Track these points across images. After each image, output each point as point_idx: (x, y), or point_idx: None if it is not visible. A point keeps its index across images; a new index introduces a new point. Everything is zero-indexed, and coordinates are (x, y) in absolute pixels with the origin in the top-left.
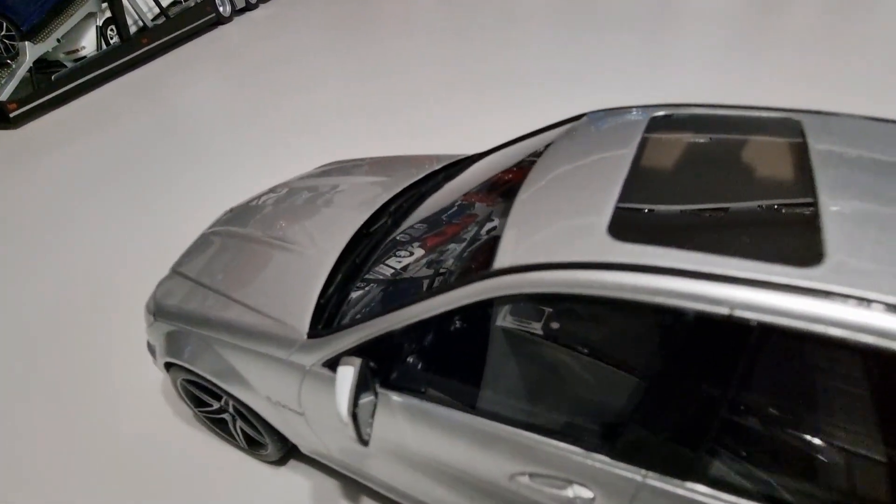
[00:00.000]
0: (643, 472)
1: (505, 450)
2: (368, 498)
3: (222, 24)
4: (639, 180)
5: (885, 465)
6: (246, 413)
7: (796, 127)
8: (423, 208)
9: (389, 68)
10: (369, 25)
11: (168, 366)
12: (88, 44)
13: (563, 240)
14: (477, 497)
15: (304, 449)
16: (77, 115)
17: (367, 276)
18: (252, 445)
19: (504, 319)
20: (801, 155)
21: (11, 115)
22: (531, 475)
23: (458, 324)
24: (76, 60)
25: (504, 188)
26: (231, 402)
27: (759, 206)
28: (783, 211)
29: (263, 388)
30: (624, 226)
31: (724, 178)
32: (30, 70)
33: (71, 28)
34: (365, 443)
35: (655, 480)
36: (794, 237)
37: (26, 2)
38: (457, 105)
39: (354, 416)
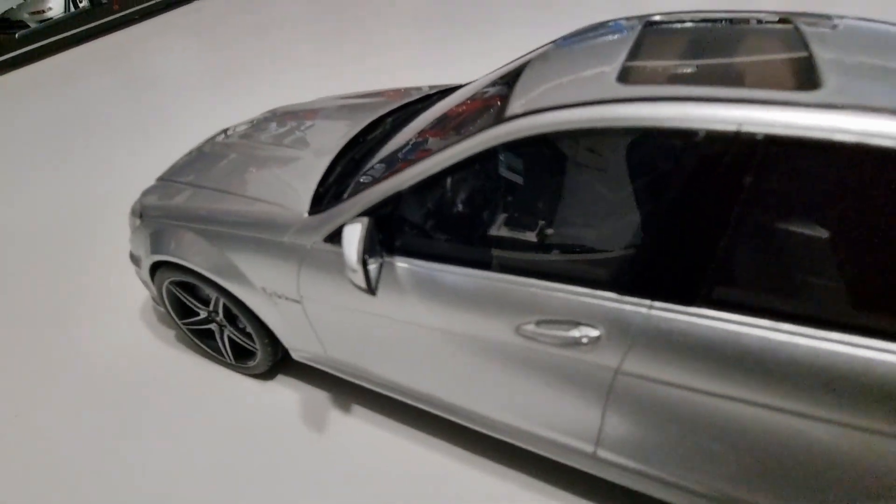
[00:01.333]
0: (648, 302)
1: (511, 300)
2: (361, 407)
3: None
4: (643, 52)
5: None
6: (237, 312)
7: (789, 21)
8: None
9: (359, 40)
10: (345, 3)
11: (153, 271)
12: (56, 5)
13: (575, 87)
14: (479, 367)
15: (295, 354)
16: (40, 75)
17: (367, 171)
18: (239, 358)
19: (506, 170)
20: (796, 34)
21: None
22: (537, 322)
23: (462, 180)
24: (41, 21)
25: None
26: (220, 307)
27: (758, 59)
28: (781, 59)
29: (259, 278)
30: (632, 74)
31: (724, 49)
32: None
33: None
34: (373, 291)
35: (657, 308)
36: (792, 74)
37: None
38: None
39: (364, 262)
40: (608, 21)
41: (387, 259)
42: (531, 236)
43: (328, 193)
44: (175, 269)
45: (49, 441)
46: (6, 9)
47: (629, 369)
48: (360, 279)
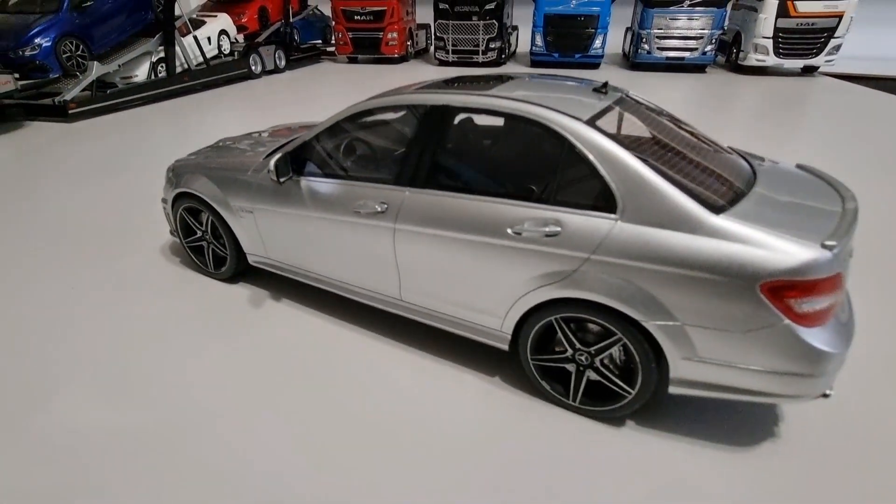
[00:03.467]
0: (407, 188)
1: (350, 194)
2: (286, 298)
3: (252, 78)
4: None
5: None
6: (220, 228)
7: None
8: None
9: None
10: (368, 87)
11: (174, 204)
12: (141, 74)
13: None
14: (335, 239)
15: (250, 259)
16: (118, 122)
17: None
18: (216, 267)
19: (356, 137)
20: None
21: (70, 111)
22: (359, 202)
23: (335, 136)
24: (127, 85)
25: None
26: (209, 227)
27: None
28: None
29: (234, 198)
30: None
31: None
32: (91, 84)
33: (131, 59)
34: (279, 182)
35: (410, 191)
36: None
37: (102, 33)
38: None
39: (277, 170)
40: None
41: (294, 177)
42: (359, 161)
43: (271, 156)
44: (188, 198)
45: (88, 303)
46: (104, 73)
47: (399, 226)
48: (273, 175)
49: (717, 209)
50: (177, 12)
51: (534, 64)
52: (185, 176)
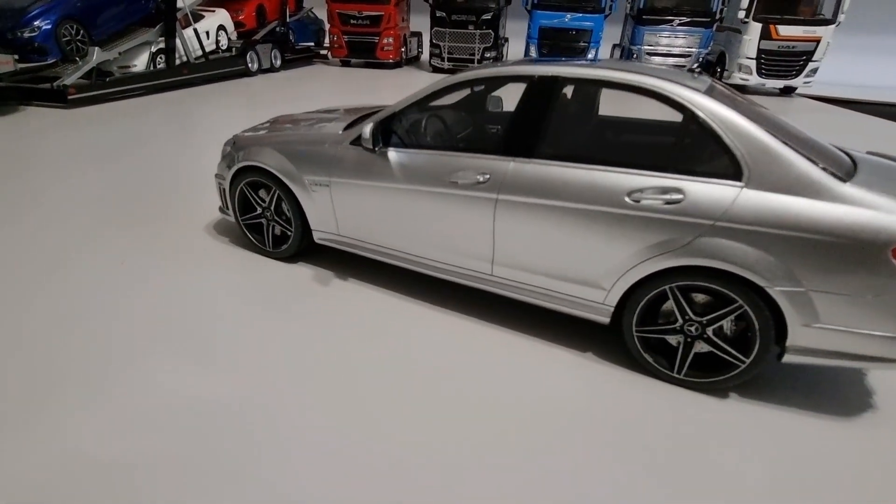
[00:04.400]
0: (512, 159)
1: (446, 165)
2: (352, 277)
3: (248, 76)
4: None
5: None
6: (286, 202)
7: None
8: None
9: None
10: (363, 89)
11: (233, 180)
12: (140, 63)
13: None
14: (428, 212)
15: (316, 236)
16: (119, 110)
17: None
18: (275, 245)
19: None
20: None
21: (69, 97)
22: (458, 173)
23: (431, 112)
24: (124, 74)
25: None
26: (273, 202)
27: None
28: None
29: (306, 173)
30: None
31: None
32: (91, 71)
33: (130, 49)
34: (374, 151)
35: (516, 161)
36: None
37: (104, 19)
38: None
39: (374, 139)
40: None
41: (381, 148)
42: (453, 132)
43: (354, 127)
44: (251, 173)
45: (142, 274)
46: (106, 59)
47: (503, 197)
48: (369, 143)
49: (841, 179)
50: (178, 4)
51: None
52: (248, 149)
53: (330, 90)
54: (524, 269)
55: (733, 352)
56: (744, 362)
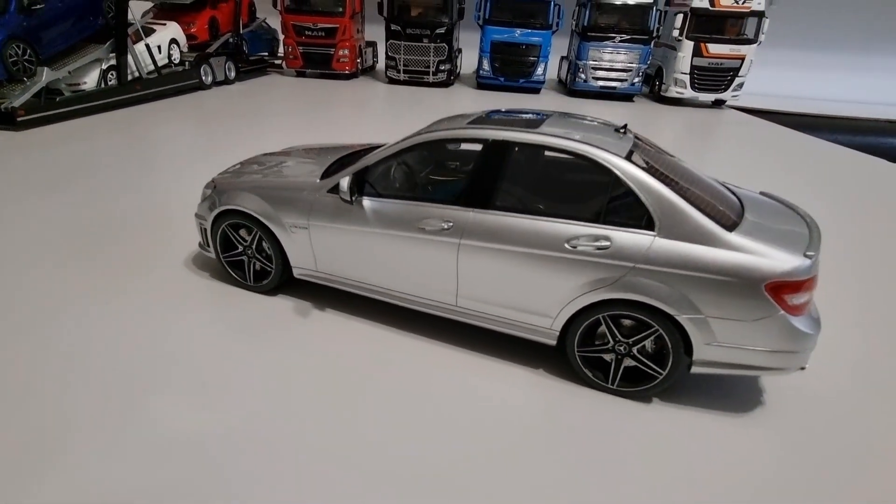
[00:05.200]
0: (472, 209)
1: (416, 213)
2: (330, 308)
3: (203, 89)
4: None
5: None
6: (267, 242)
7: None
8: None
9: (319, 127)
10: (320, 101)
11: (215, 221)
12: (91, 81)
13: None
14: (400, 254)
15: (296, 272)
16: (70, 131)
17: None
18: (256, 280)
19: (418, 165)
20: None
21: (19, 119)
22: (425, 220)
23: (398, 162)
24: (75, 93)
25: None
26: (254, 242)
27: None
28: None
29: (286, 217)
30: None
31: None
32: (40, 91)
33: (81, 66)
34: (351, 202)
35: (475, 212)
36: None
37: (51, 38)
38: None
39: (351, 191)
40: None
41: (357, 197)
42: (420, 184)
43: (328, 175)
44: (233, 215)
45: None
46: (55, 78)
47: (464, 241)
48: (346, 195)
49: (728, 228)
50: (128, 19)
51: (480, 86)
52: (229, 193)
53: (287, 103)
54: (484, 301)
55: (653, 366)
56: (661, 374)
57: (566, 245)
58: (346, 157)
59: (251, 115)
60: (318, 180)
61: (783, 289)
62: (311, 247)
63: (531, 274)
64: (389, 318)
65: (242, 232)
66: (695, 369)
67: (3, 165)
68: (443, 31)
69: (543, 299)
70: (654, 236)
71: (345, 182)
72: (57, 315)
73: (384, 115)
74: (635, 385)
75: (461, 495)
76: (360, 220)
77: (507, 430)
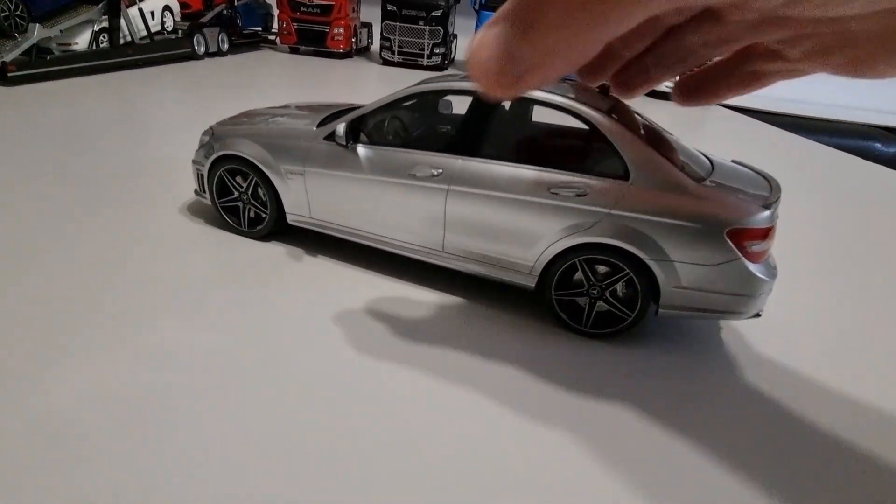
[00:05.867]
0: (460, 157)
1: (408, 160)
2: (320, 254)
3: (195, 59)
4: None
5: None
6: (263, 188)
7: None
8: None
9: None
10: (314, 79)
11: (212, 167)
12: (82, 42)
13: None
14: (390, 200)
15: (290, 218)
16: (59, 89)
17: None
18: (250, 226)
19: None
20: None
21: (9, 74)
22: (416, 167)
23: (392, 114)
24: (65, 52)
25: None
26: (250, 188)
27: None
28: None
29: (284, 162)
30: None
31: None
32: (30, 48)
33: (73, 25)
34: (346, 147)
35: (464, 159)
36: None
37: None
38: None
39: (347, 137)
40: None
41: (352, 144)
42: (412, 133)
43: (324, 125)
44: (230, 161)
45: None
46: (46, 36)
47: (453, 188)
48: (343, 140)
49: (696, 180)
50: None
51: None
52: (227, 139)
53: (280, 78)
54: (470, 246)
55: (622, 308)
56: (630, 316)
57: (548, 191)
58: (342, 111)
59: (245, 87)
60: (314, 128)
61: (743, 235)
62: (305, 193)
63: (515, 219)
64: (379, 264)
65: (238, 178)
66: (661, 312)
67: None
68: (438, 15)
69: (525, 243)
70: (629, 185)
71: (341, 128)
72: (50, 252)
73: (378, 95)
74: (604, 328)
75: (454, 423)
76: (355, 166)
77: (492, 362)
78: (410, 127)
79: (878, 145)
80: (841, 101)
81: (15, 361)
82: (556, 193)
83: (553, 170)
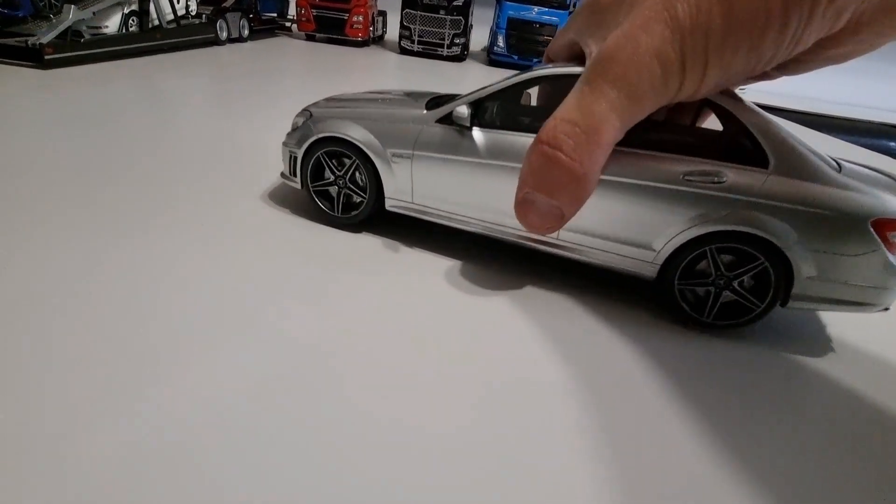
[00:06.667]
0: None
1: (527, 145)
2: (413, 245)
3: (218, 45)
4: None
5: None
6: (364, 172)
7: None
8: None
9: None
10: (335, 67)
11: (308, 150)
12: (112, 25)
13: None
14: (509, 182)
15: (389, 204)
16: (94, 72)
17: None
18: (344, 212)
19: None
20: None
21: (46, 56)
22: None
23: (505, 97)
24: (95, 35)
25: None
26: (349, 171)
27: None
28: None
29: (391, 145)
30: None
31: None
32: (66, 30)
33: (105, 7)
34: (469, 128)
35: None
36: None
37: None
38: None
39: (470, 118)
40: None
41: (470, 128)
42: (533, 120)
43: (432, 109)
44: (328, 143)
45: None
46: (81, 18)
47: None
48: (466, 121)
49: (836, 170)
50: None
51: (493, 63)
52: (328, 121)
53: (305, 65)
54: (589, 235)
55: (752, 298)
56: (759, 306)
57: (682, 178)
58: (439, 97)
59: (272, 73)
60: (423, 111)
61: (888, 226)
62: (410, 177)
63: (643, 206)
64: (479, 256)
65: (334, 161)
66: (791, 304)
67: (40, 101)
68: (460, 4)
69: (652, 232)
70: (769, 173)
71: (463, 109)
72: (131, 240)
73: (401, 84)
74: (729, 319)
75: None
76: (469, 150)
77: (611, 365)
78: (514, 112)
79: (893, 144)
80: (859, 100)
81: (146, 349)
82: (692, 181)
83: (686, 156)
